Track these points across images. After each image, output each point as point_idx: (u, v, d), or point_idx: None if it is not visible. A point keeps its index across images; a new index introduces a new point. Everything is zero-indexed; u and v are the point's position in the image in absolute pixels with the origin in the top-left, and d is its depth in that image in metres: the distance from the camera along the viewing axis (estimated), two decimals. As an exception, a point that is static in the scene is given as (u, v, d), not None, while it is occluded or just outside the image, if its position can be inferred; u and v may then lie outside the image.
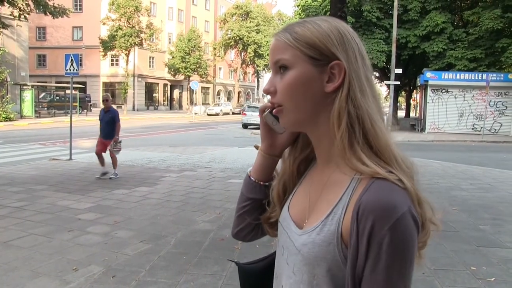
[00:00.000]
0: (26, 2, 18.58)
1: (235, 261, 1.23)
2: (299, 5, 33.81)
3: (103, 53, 40.68)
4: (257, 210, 1.15)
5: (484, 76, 23.50)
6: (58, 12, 21.23)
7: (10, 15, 19.87)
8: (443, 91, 25.54)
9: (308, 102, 0.94)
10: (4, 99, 27.85)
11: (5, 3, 15.23)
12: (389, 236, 0.79)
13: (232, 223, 1.21)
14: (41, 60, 51.39)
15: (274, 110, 0.98)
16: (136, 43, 39.38)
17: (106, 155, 9.44)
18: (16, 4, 17.33)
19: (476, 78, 24.61)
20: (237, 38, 56.26)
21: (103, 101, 9.66)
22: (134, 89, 49.54)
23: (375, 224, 0.80)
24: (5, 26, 21.26)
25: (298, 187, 1.08)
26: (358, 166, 0.87)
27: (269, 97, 1.01)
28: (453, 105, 25.51)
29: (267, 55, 52.57)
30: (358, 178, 0.88)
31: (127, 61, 40.16)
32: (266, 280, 1.18)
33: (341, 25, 0.96)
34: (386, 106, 32.56)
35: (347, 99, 0.90)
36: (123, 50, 38.80)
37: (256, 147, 1.18)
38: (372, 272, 0.81)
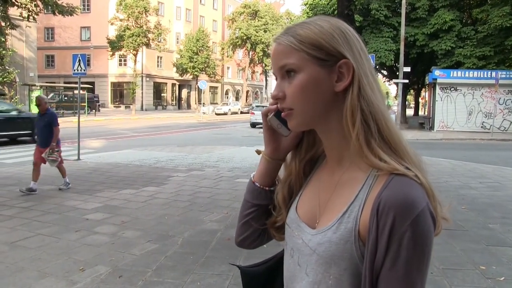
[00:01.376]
0: (35, 2, 18.68)
1: (237, 264, 1.22)
2: (306, 4, 33.75)
3: (111, 53, 40.81)
4: (263, 216, 1.14)
5: (493, 74, 23.26)
6: (67, 11, 21.37)
7: (19, 16, 20.01)
8: (452, 89, 25.35)
9: (318, 104, 0.93)
10: (13, 100, 28.07)
11: (13, 5, 15.30)
12: (410, 231, 0.80)
13: (235, 232, 1.19)
14: (50, 61, 51.74)
15: (282, 114, 0.98)
16: (144, 43, 39.46)
17: (47, 169, 8.57)
18: (25, 5, 17.41)
19: (485, 76, 24.38)
20: (245, 37, 56.24)
21: (36, 105, 8.48)
22: (142, 89, 49.71)
23: (396, 219, 0.80)
24: (13, 26, 21.39)
25: (305, 188, 1.07)
26: (377, 162, 0.88)
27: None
28: (462, 103, 25.31)
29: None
30: (375, 175, 0.89)
31: (135, 61, 40.28)
32: (269, 283, 1.17)
33: (341, 23, 0.96)
34: (395, 105, 32.38)
35: (359, 97, 0.90)
36: (131, 50, 38.91)
37: (258, 152, 1.16)
38: (391, 268, 0.81)
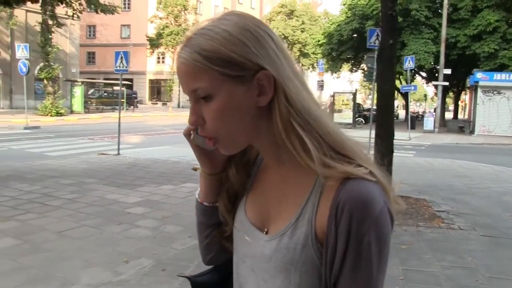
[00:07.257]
0: (79, 1, 19.27)
1: (186, 275, 1.10)
2: (345, 4, 33.43)
3: (150, 51, 41.52)
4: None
5: (540, 77, 22.55)
6: (109, 9, 21.99)
7: (65, 14, 20.70)
8: (495, 92, 24.63)
9: (244, 124, 0.84)
10: (56, 95, 28.92)
11: (62, 4, 15.98)
12: (370, 233, 0.76)
13: (200, 252, 1.12)
14: (91, 57, 53.16)
15: (207, 141, 0.88)
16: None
17: None
18: (70, 4, 18.08)
19: (531, 79, 23.62)
20: (282, 37, 56.19)
21: None
22: (179, 87, 50.22)
23: (356, 222, 0.76)
24: (60, 25, 22.15)
25: (249, 191, 1.00)
26: (322, 171, 0.81)
27: None
28: (506, 107, 24.53)
29: (312, 53, 52.17)
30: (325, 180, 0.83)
31: (173, 58, 40.82)
32: None
33: (248, 21, 0.83)
34: (433, 106, 31.58)
35: (288, 108, 0.81)
36: (170, 48, 39.50)
37: (195, 169, 1.09)
38: (353, 270, 0.78)
